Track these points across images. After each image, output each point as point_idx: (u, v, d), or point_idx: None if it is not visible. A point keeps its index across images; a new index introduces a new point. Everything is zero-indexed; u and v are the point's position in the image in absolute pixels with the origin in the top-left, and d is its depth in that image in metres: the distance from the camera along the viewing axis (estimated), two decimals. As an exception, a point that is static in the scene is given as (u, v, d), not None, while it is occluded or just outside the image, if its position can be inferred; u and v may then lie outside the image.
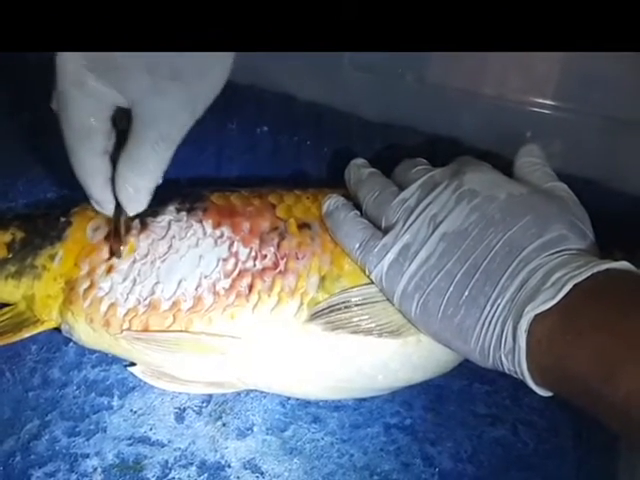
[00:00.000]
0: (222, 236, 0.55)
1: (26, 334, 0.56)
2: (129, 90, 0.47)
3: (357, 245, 0.51)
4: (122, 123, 0.50)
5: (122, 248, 0.55)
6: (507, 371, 0.45)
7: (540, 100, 0.64)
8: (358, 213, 0.53)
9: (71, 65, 0.46)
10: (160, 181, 0.52)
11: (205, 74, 0.48)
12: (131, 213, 0.53)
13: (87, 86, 0.47)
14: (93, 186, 0.51)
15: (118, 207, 0.53)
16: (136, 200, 0.52)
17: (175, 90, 0.47)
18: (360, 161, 0.58)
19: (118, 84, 0.47)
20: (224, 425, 0.56)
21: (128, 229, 0.56)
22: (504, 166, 0.53)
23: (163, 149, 0.50)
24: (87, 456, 0.54)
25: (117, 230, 0.55)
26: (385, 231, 0.51)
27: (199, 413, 0.57)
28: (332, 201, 0.55)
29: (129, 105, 0.48)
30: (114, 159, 0.51)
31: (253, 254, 0.54)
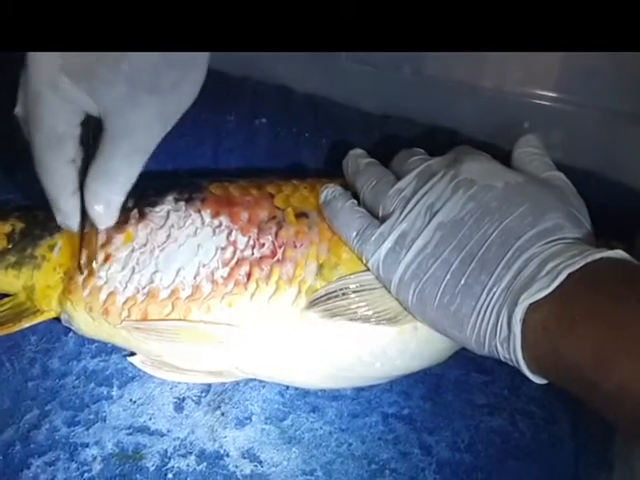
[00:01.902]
0: (220, 225, 0.55)
1: (26, 324, 0.56)
2: (105, 99, 0.46)
3: (354, 234, 0.52)
4: (89, 133, 0.49)
5: (94, 264, 0.55)
6: (503, 359, 0.45)
7: (539, 91, 0.64)
8: (355, 202, 0.54)
9: (46, 66, 0.45)
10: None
11: (179, 86, 0.47)
12: (102, 227, 0.52)
13: (61, 89, 0.45)
14: (61, 197, 0.50)
15: (84, 220, 0.51)
16: (107, 214, 0.50)
17: (150, 102, 0.47)
18: (358, 151, 0.58)
19: (94, 92, 0.46)
20: (223, 415, 0.56)
21: (96, 243, 0.55)
22: (503, 157, 0.53)
23: (135, 162, 0.49)
24: (87, 445, 0.55)
25: (84, 244, 0.54)
26: (382, 220, 0.51)
27: (198, 403, 0.57)
28: (329, 190, 0.55)
29: (101, 114, 0.47)
30: (80, 171, 0.50)
31: (251, 243, 0.54)
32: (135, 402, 0.57)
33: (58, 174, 0.49)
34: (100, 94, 0.46)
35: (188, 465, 0.54)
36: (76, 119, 0.48)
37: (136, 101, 0.46)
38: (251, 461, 0.54)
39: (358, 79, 0.68)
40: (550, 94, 0.63)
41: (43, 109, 0.47)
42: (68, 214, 0.51)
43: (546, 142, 0.55)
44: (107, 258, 0.55)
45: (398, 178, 0.53)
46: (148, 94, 0.46)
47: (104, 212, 0.50)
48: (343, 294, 0.52)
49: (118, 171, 0.49)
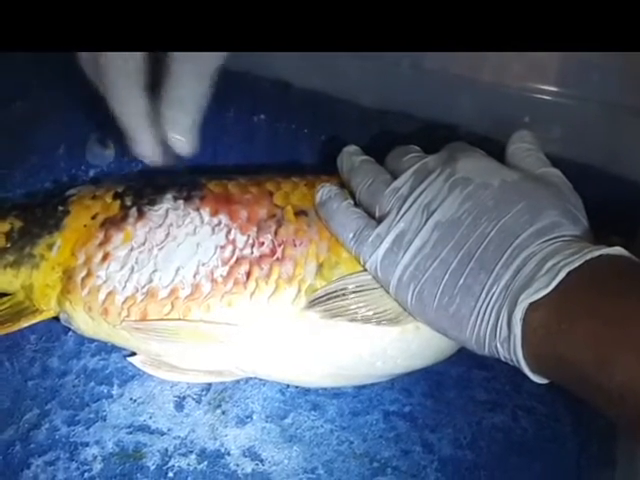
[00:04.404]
0: (219, 224, 0.55)
1: (25, 324, 0.56)
2: None
3: (351, 235, 0.51)
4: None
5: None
6: (503, 359, 0.44)
7: (539, 86, 0.64)
8: (352, 202, 0.53)
9: None
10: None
11: None
12: (183, 153, 0.53)
13: None
14: (137, 126, 0.51)
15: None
16: (187, 139, 0.52)
17: None
18: (352, 148, 0.57)
19: None
20: (223, 413, 0.56)
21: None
22: (500, 153, 0.53)
23: (204, 82, 0.51)
24: (87, 445, 0.54)
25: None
26: (379, 220, 0.50)
27: (198, 401, 0.57)
28: (325, 190, 0.54)
29: None
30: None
31: (250, 241, 0.54)
32: (135, 401, 0.56)
33: (133, 103, 0.50)
34: None
35: (189, 464, 0.54)
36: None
37: None
38: (252, 460, 0.54)
39: (357, 74, 0.68)
40: (550, 88, 0.63)
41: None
42: (143, 143, 0.53)
43: (546, 136, 0.54)
44: (106, 257, 0.55)
45: (393, 176, 0.52)
46: None
47: (183, 137, 0.52)
48: (343, 294, 0.51)
49: (189, 94, 0.51)
